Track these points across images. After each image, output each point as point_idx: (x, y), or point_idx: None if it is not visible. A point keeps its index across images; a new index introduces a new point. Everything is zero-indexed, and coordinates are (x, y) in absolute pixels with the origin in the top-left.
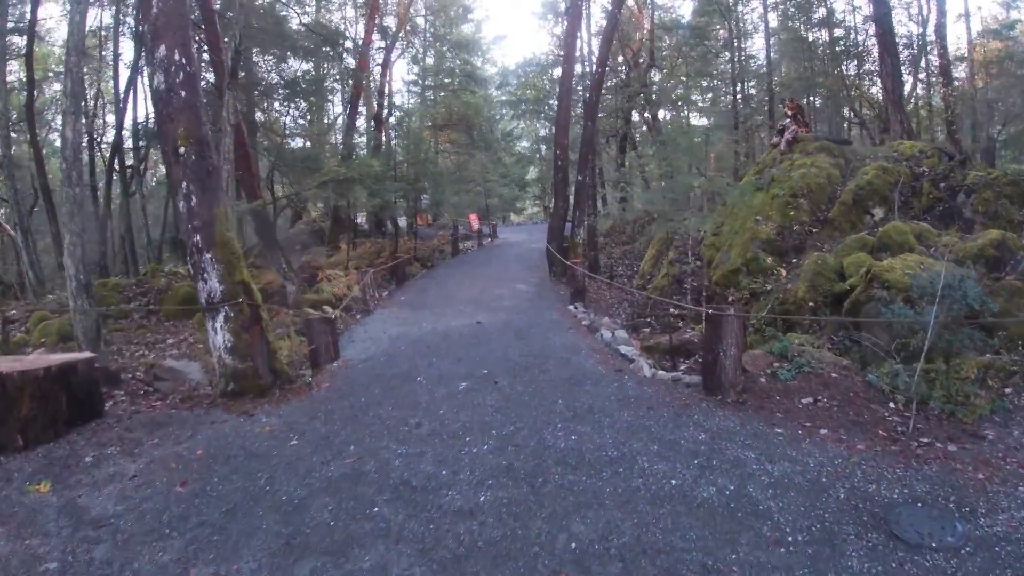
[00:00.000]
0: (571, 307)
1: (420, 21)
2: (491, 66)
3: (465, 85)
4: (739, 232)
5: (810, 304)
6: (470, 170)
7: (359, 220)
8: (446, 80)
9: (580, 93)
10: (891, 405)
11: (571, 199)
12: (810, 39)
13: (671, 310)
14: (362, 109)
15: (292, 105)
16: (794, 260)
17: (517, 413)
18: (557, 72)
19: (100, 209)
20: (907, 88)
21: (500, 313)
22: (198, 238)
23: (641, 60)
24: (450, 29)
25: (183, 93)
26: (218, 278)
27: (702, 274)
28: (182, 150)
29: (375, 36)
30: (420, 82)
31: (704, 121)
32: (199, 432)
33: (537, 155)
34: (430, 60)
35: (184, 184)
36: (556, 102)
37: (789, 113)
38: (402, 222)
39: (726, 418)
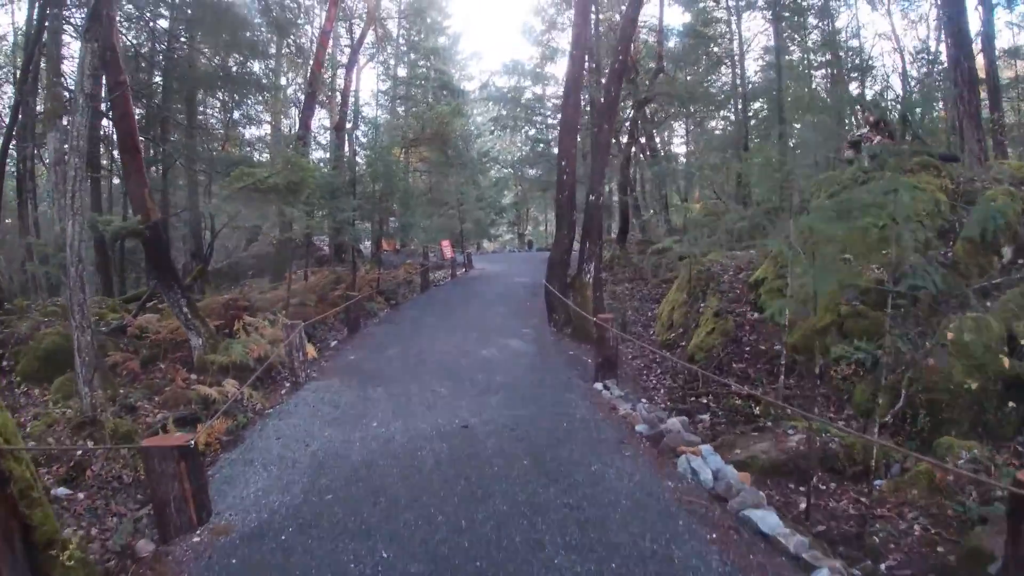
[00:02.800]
0: (599, 386)
1: (392, 28)
2: (467, 81)
3: (439, 96)
4: (821, 275)
5: (967, 387)
6: (443, 191)
7: (322, 245)
8: (419, 90)
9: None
10: None
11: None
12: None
13: (731, 385)
14: (325, 120)
15: (234, 103)
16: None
17: None
18: (552, 70)
19: None
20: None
21: (495, 398)
22: None
23: (652, 65)
24: (425, 37)
25: None
26: None
27: (770, 331)
28: None
29: (341, 30)
30: (391, 92)
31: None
32: None
33: (511, 181)
34: (403, 72)
35: None
36: (541, 115)
37: (871, 120)
38: (366, 247)
39: None
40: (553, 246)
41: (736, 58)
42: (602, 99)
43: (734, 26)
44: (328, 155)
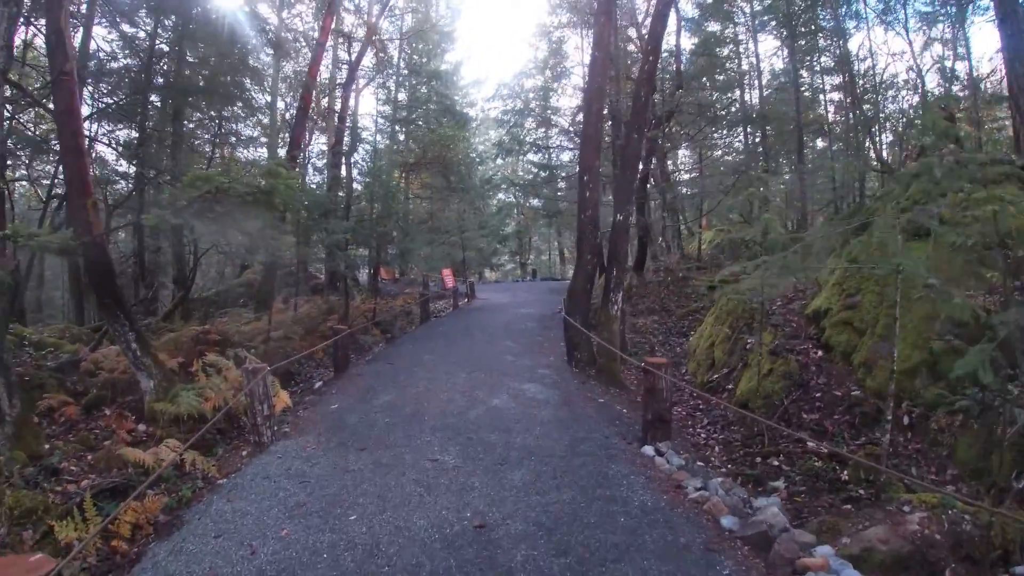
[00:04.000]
0: (649, 451)
1: (393, 51)
2: (470, 108)
3: (441, 121)
4: (907, 307)
5: None
6: (445, 218)
7: (318, 273)
8: (420, 112)
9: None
10: None
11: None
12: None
13: (807, 442)
14: (324, 144)
15: (223, 119)
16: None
17: None
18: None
19: None
20: None
21: (518, 474)
22: None
23: (668, 78)
24: (427, 61)
25: None
26: None
27: (842, 372)
28: None
29: (341, 53)
30: (391, 115)
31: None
32: None
33: (515, 208)
34: (403, 96)
35: None
36: (545, 139)
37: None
38: (363, 275)
39: None
40: (574, 274)
41: (746, 79)
42: (631, 103)
43: (750, 45)
44: (325, 178)
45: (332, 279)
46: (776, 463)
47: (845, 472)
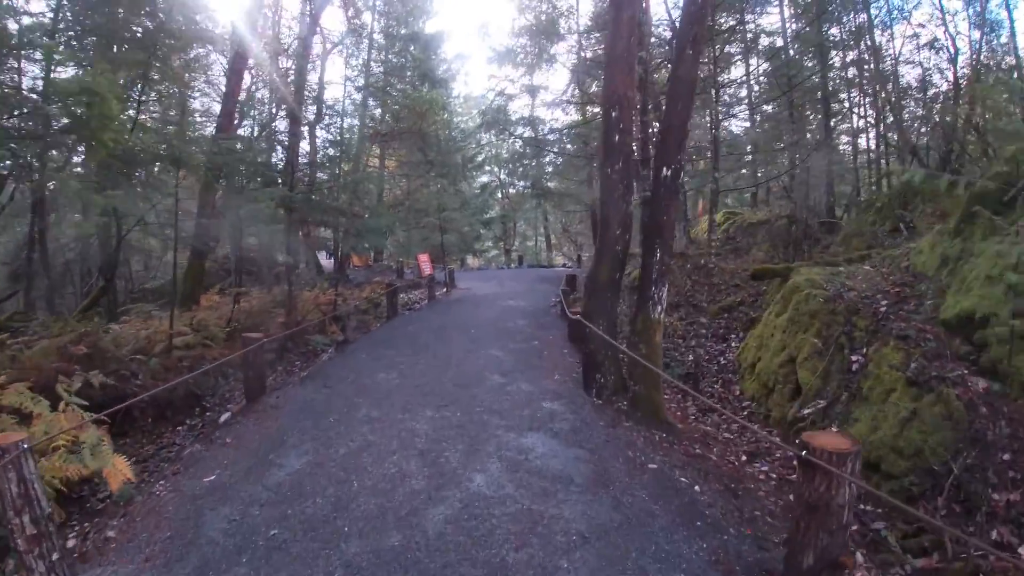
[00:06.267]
0: None
1: (368, 18)
2: (452, 82)
3: (418, 87)
4: None
5: None
6: (422, 199)
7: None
8: (394, 79)
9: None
10: None
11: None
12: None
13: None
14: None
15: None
16: None
17: None
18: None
19: None
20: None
21: None
22: None
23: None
24: (404, 28)
25: None
26: None
27: None
28: None
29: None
30: (365, 81)
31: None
32: None
33: (500, 190)
34: (378, 69)
35: None
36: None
37: None
38: (330, 262)
39: None
40: (596, 258)
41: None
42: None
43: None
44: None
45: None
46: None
47: None
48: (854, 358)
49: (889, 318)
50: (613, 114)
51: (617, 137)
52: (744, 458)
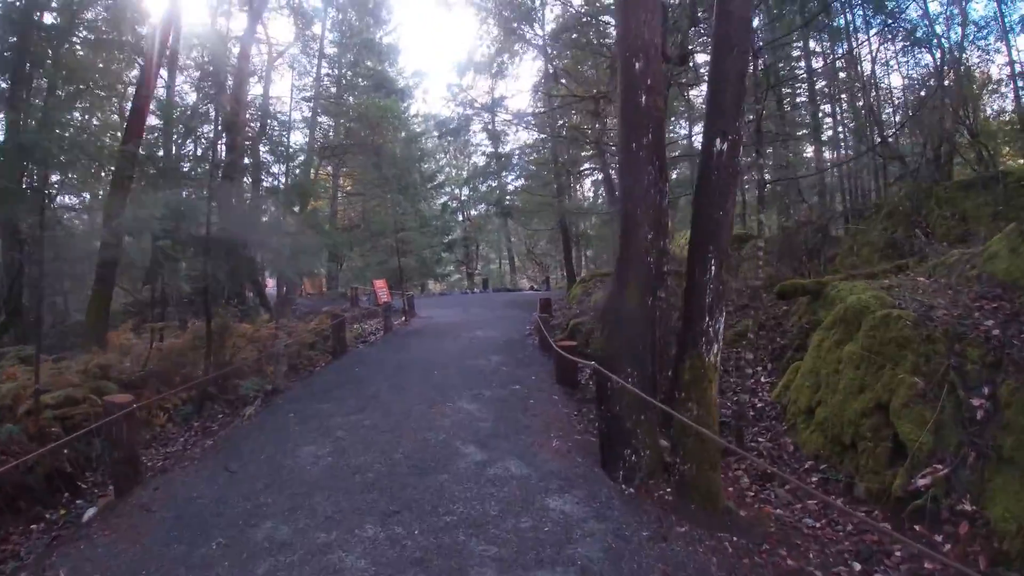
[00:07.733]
0: None
1: (318, 26)
2: (410, 99)
3: (372, 97)
4: None
5: None
6: (380, 220)
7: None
8: (346, 87)
9: None
10: None
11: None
12: None
13: None
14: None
15: None
16: None
17: None
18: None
19: None
20: None
21: None
22: None
23: None
24: (358, 31)
25: None
26: None
27: None
28: None
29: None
30: (313, 91)
31: None
32: None
33: (461, 213)
34: (329, 80)
35: None
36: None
37: None
38: (272, 288)
39: None
40: (617, 273)
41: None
42: None
43: None
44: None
45: (238, 295)
46: None
47: None
48: (976, 402)
49: (1013, 344)
50: (637, 65)
51: (644, 98)
52: (858, 567)
